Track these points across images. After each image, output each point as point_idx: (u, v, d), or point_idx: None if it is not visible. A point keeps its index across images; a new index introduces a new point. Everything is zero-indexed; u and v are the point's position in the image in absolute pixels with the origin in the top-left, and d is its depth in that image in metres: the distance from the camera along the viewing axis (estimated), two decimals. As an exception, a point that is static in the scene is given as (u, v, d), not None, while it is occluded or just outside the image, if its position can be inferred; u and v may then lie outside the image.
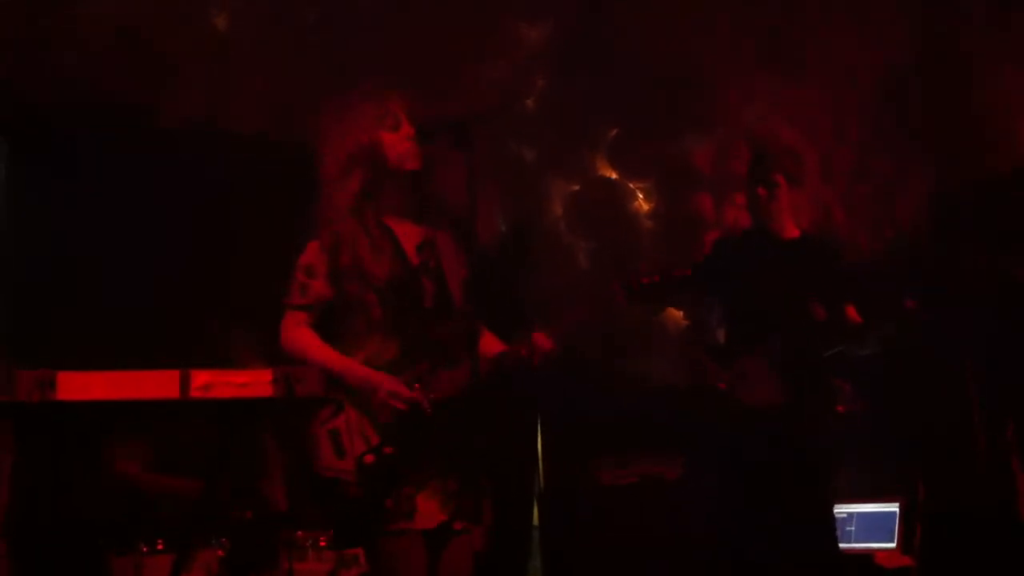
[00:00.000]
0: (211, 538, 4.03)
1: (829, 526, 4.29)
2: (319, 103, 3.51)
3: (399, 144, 3.34)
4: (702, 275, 4.62)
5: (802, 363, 4.24)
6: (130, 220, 5.05)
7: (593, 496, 5.54)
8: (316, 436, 3.17)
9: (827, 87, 5.46)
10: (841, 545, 4.47)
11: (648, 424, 5.61)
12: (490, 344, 3.42)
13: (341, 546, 3.92)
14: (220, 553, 4.01)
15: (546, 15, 5.68)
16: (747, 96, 5.44)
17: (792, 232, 4.45)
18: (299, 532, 4.03)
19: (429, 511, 3.15)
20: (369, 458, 3.13)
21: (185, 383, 2.38)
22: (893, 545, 5.21)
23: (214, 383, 2.40)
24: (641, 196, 6.03)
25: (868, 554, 5.20)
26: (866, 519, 5.34)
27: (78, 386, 2.32)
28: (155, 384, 2.37)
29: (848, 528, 5.32)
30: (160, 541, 4.01)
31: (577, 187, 6.02)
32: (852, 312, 4.30)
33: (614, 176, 6.02)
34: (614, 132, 5.96)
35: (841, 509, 4.91)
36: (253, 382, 2.43)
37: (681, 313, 5.78)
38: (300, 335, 3.29)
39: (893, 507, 5.28)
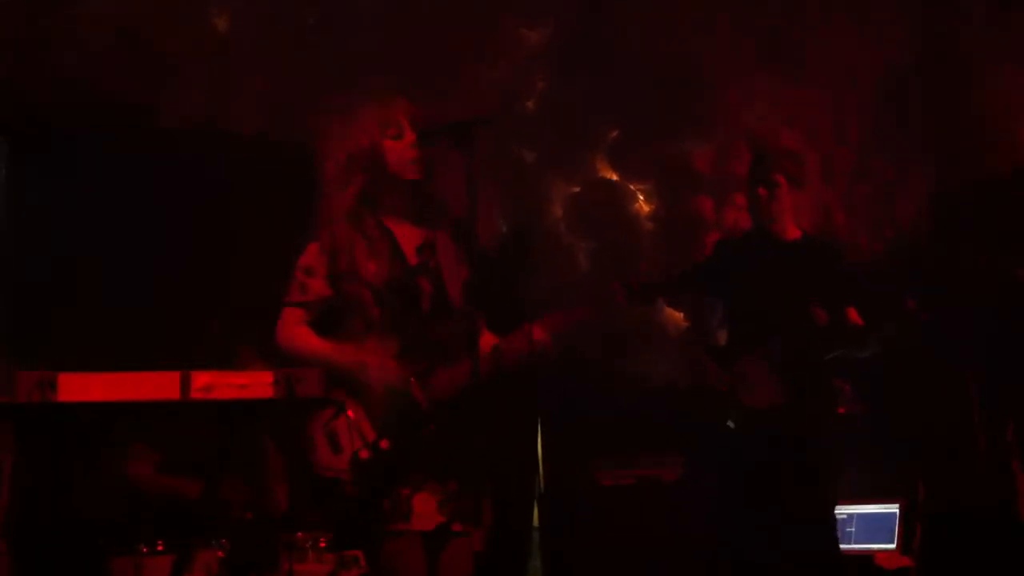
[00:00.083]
0: (211, 539, 4.03)
1: (829, 527, 4.30)
2: (319, 103, 3.52)
3: (402, 153, 3.34)
4: (703, 276, 4.62)
5: (803, 364, 4.24)
6: (130, 220, 5.05)
7: (593, 496, 5.53)
8: (314, 436, 3.17)
9: (827, 87, 5.46)
10: (841, 546, 4.47)
11: (648, 424, 5.61)
12: (489, 343, 3.43)
13: (341, 547, 3.92)
14: (220, 554, 4.00)
15: (546, 16, 5.68)
16: (747, 96, 5.45)
17: (793, 233, 4.45)
18: (299, 533, 4.03)
19: (426, 512, 3.15)
20: (364, 454, 3.13)
21: (186, 384, 2.38)
22: (893, 546, 5.21)
23: (215, 384, 2.39)
24: (641, 197, 6.03)
25: (868, 555, 5.20)
26: (866, 520, 5.34)
27: (78, 387, 2.32)
28: (155, 385, 2.37)
29: (848, 529, 5.32)
30: (160, 541, 4.01)
31: (577, 188, 6.01)
32: (853, 315, 4.30)
33: (614, 177, 6.02)
34: (614, 133, 5.95)
35: (841, 510, 4.90)
36: (253, 383, 2.43)
37: (681, 313, 5.78)
38: (296, 331, 3.30)
39: (893, 508, 5.28)
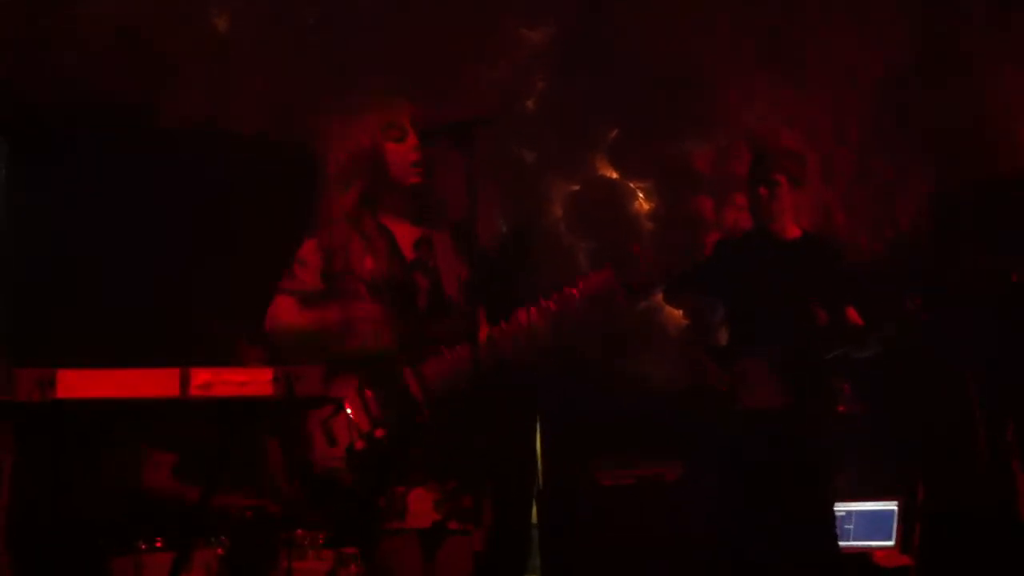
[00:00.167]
0: (211, 537, 4.03)
1: (829, 526, 4.30)
2: (319, 103, 3.52)
3: (404, 156, 3.34)
4: (703, 276, 4.62)
5: (803, 364, 4.24)
6: (130, 220, 5.04)
7: (593, 496, 5.53)
8: (312, 433, 3.18)
9: (827, 87, 5.47)
10: (840, 544, 4.47)
11: (648, 424, 5.60)
12: (485, 335, 3.42)
13: (340, 545, 3.92)
14: (220, 552, 4.00)
15: (546, 16, 5.68)
16: (747, 96, 5.45)
17: (793, 233, 4.45)
18: (298, 531, 4.02)
19: (421, 510, 3.15)
20: (359, 444, 3.13)
21: (185, 381, 2.38)
22: (891, 544, 5.21)
23: (214, 381, 2.39)
24: (641, 197, 6.03)
25: (866, 553, 5.20)
26: (865, 517, 5.34)
27: (77, 383, 2.32)
28: (155, 382, 2.37)
29: (847, 526, 5.32)
30: (160, 540, 4.01)
31: (577, 188, 6.02)
32: (853, 314, 4.30)
33: (614, 177, 6.02)
34: (614, 133, 5.95)
35: (839, 507, 4.90)
36: (253, 380, 2.42)
37: (681, 313, 5.78)
38: (280, 308, 3.30)
39: (892, 505, 5.28)
